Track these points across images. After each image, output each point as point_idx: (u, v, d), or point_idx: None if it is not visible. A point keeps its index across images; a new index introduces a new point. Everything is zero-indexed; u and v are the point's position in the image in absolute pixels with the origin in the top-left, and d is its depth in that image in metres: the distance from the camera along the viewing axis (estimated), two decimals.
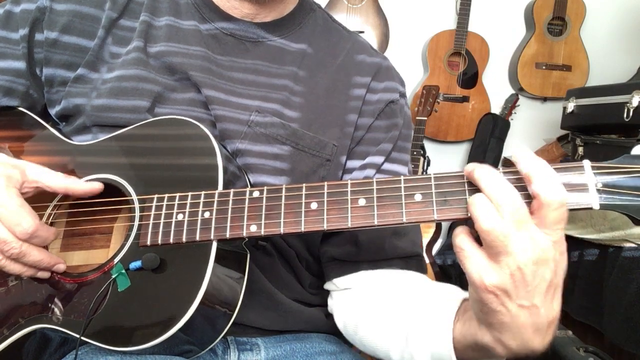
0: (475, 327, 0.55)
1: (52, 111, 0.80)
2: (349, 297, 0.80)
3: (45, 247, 0.68)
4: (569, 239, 1.75)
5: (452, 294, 0.65)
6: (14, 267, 0.62)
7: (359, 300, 0.78)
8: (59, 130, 0.78)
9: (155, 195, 0.65)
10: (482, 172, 0.51)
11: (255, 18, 0.82)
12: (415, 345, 0.66)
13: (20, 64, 0.78)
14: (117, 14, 0.80)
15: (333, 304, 0.83)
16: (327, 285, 0.84)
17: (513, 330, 0.51)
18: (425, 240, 2.24)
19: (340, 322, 0.81)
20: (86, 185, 0.67)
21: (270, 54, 0.82)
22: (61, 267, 0.66)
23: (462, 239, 0.52)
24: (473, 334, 0.56)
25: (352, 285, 0.81)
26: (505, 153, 2.61)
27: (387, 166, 0.83)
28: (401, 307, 0.71)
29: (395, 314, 0.71)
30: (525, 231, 0.49)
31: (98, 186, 0.68)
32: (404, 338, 0.68)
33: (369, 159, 0.82)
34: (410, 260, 0.80)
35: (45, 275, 0.65)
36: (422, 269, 0.81)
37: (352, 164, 0.83)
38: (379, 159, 0.82)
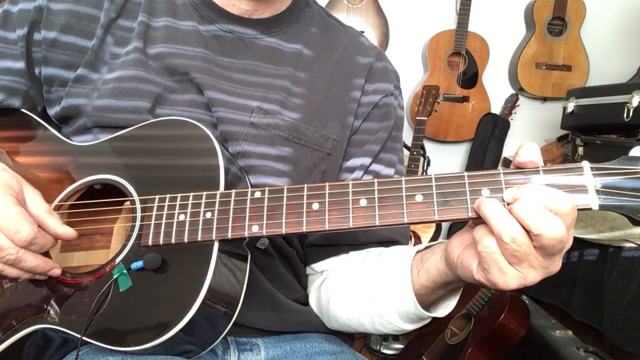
0: (446, 272, 0.61)
1: (51, 112, 0.80)
2: (323, 277, 0.84)
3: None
4: None
5: (405, 250, 0.72)
6: (10, 272, 0.62)
7: (330, 277, 0.82)
8: (59, 131, 0.79)
9: (157, 196, 0.65)
10: (525, 209, 0.50)
11: (254, 14, 0.83)
12: (381, 305, 0.71)
13: (20, 64, 0.78)
14: (115, 14, 0.80)
15: (309, 287, 0.86)
16: (306, 270, 0.87)
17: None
18: (425, 240, 2.24)
19: (313, 302, 0.84)
20: (60, 227, 0.64)
21: (267, 54, 0.82)
22: (56, 272, 0.65)
23: (492, 241, 0.52)
24: (443, 277, 0.62)
25: (328, 268, 0.84)
26: (505, 153, 2.61)
27: (373, 167, 0.85)
28: (364, 276, 0.76)
29: (359, 282, 0.75)
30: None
31: (70, 232, 0.65)
32: (371, 301, 0.72)
33: (354, 160, 0.84)
34: (385, 244, 0.83)
35: (42, 277, 0.65)
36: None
37: (342, 164, 0.84)
38: (366, 160, 0.83)
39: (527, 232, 0.50)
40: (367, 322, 0.74)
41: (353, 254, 0.82)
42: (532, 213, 0.49)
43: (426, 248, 0.69)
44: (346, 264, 0.81)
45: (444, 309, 0.69)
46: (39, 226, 0.63)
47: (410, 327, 0.71)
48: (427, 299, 0.67)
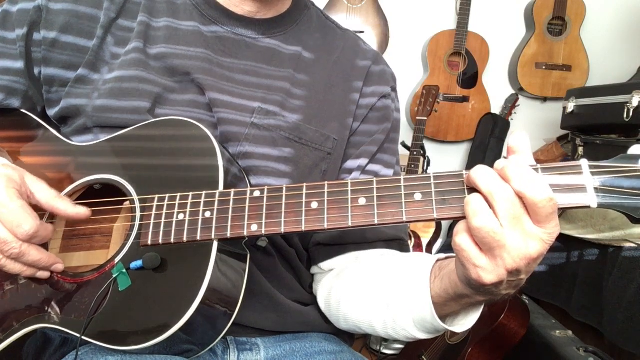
0: (457, 282, 0.59)
1: (51, 112, 0.80)
2: (332, 276, 0.83)
3: (46, 248, 0.68)
4: (569, 239, 1.75)
5: (425, 257, 0.70)
6: (13, 267, 0.62)
7: (341, 277, 0.81)
8: (59, 132, 0.79)
9: (157, 195, 0.65)
10: (477, 172, 0.52)
11: (256, 15, 0.83)
12: (396, 310, 0.69)
13: (19, 64, 0.78)
14: (115, 14, 0.80)
15: (317, 286, 0.86)
16: (312, 269, 0.87)
17: (495, 293, 0.57)
18: (425, 240, 2.24)
19: (322, 301, 0.83)
20: (73, 209, 0.65)
21: (267, 55, 0.83)
22: (59, 267, 0.66)
23: (462, 238, 0.53)
24: (454, 287, 0.60)
25: (336, 266, 0.84)
26: (505, 153, 2.60)
27: (371, 167, 0.85)
28: (380, 279, 0.74)
29: (375, 285, 0.74)
30: (520, 227, 0.50)
31: (84, 211, 0.66)
32: (385, 306, 0.71)
33: (352, 162, 0.84)
34: (392, 243, 0.83)
35: (44, 275, 0.65)
36: (403, 250, 0.84)
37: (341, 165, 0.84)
38: (363, 161, 0.84)
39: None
40: (379, 326, 0.73)
41: (363, 255, 0.82)
42: (490, 182, 0.50)
43: (447, 258, 0.67)
44: (358, 265, 0.81)
45: (462, 325, 0.66)
46: (52, 212, 0.65)
47: (423, 336, 0.69)
48: (442, 310, 0.65)
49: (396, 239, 0.84)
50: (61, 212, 0.65)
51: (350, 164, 0.84)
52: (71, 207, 0.65)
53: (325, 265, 0.84)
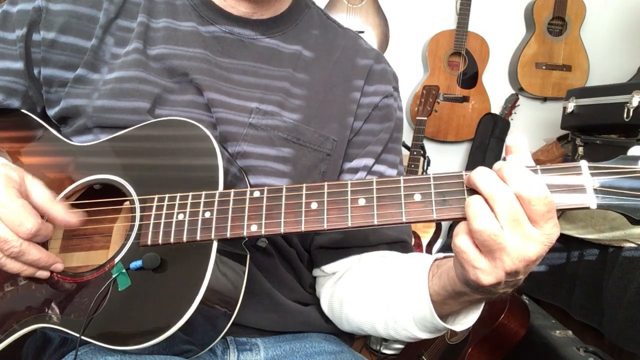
0: (455, 279, 0.59)
1: (51, 112, 0.80)
2: (335, 278, 0.83)
3: (46, 248, 0.68)
4: (569, 239, 1.75)
5: (424, 257, 0.71)
6: (13, 266, 0.62)
7: (343, 279, 0.81)
8: (59, 132, 0.79)
9: (156, 196, 0.65)
10: (477, 173, 0.52)
11: (253, 15, 0.83)
12: (397, 310, 0.69)
13: (19, 65, 0.78)
14: (115, 14, 0.80)
15: (320, 289, 0.86)
16: (315, 272, 0.87)
17: (493, 292, 0.57)
18: (425, 240, 2.24)
19: (325, 304, 0.83)
20: (65, 215, 0.65)
21: (266, 55, 0.83)
22: (59, 266, 0.66)
23: (462, 239, 0.53)
24: (452, 285, 0.60)
25: (338, 269, 0.83)
26: (504, 153, 2.60)
27: (377, 167, 0.85)
28: (380, 280, 0.75)
29: (375, 286, 0.75)
30: (520, 229, 0.50)
31: (75, 219, 0.66)
32: (386, 307, 0.71)
33: (357, 161, 0.84)
34: (395, 245, 0.83)
35: (44, 274, 0.65)
36: (406, 252, 0.84)
37: (344, 165, 0.84)
38: (369, 161, 0.84)
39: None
40: (380, 327, 0.73)
41: (366, 257, 0.82)
42: (491, 184, 0.50)
43: (445, 257, 0.67)
44: (360, 266, 0.81)
45: (462, 324, 0.66)
46: (44, 215, 0.64)
47: (424, 335, 0.69)
48: (442, 309, 0.65)
49: (399, 241, 0.84)
50: (53, 216, 0.64)
51: (356, 163, 0.84)
52: (63, 213, 0.65)
53: (328, 268, 0.84)
